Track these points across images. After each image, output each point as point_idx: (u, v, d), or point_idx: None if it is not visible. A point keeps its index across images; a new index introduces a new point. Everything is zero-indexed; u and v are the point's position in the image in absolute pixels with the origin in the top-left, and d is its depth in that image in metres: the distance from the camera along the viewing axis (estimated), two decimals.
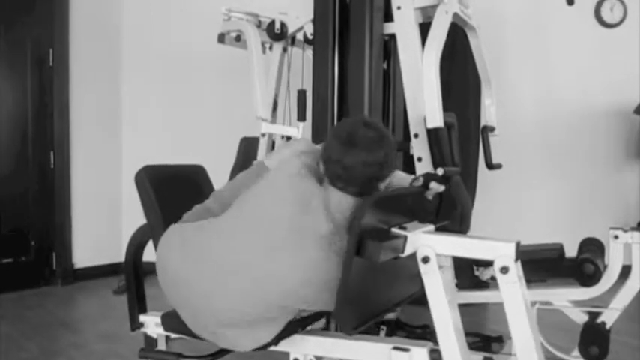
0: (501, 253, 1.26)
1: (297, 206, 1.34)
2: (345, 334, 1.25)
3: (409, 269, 1.42)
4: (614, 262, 2.04)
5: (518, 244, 1.27)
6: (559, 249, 2.17)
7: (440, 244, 1.32)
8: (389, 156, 1.36)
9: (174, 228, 1.56)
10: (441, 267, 1.32)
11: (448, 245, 1.32)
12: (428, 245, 1.31)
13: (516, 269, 1.26)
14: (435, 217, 1.54)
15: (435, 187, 1.50)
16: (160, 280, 1.52)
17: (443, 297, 1.32)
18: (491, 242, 1.29)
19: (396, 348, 1.37)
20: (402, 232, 1.30)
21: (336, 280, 1.25)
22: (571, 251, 2.13)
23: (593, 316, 2.04)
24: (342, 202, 1.35)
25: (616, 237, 2.04)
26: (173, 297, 1.50)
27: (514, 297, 1.27)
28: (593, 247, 2.14)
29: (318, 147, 1.54)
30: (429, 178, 1.50)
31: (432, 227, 1.42)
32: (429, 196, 1.48)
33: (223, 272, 1.38)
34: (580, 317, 2.06)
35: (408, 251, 1.29)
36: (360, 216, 1.21)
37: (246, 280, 1.34)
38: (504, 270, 1.26)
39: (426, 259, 1.31)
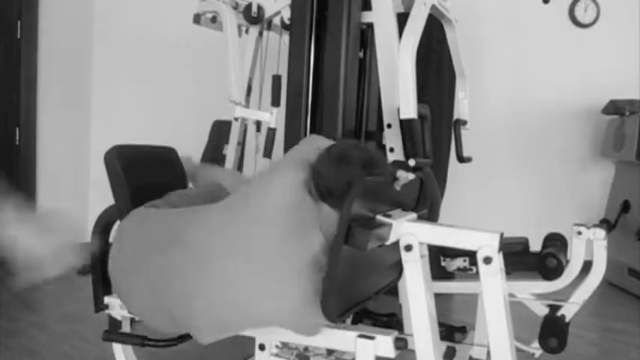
0: (485, 243, 1.26)
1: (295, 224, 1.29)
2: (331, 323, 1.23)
3: (387, 258, 1.42)
4: (576, 257, 2.09)
5: (501, 236, 1.26)
6: (524, 243, 2.21)
7: (423, 233, 1.31)
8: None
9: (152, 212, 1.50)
10: (422, 256, 1.31)
11: (431, 234, 1.31)
12: (411, 234, 1.30)
13: (499, 260, 1.26)
14: (415, 205, 1.54)
15: (403, 177, 1.49)
16: (115, 260, 1.50)
17: (422, 286, 1.31)
18: (475, 232, 1.28)
19: (361, 336, 1.37)
20: (388, 220, 1.28)
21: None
22: (536, 245, 2.17)
23: (554, 309, 2.09)
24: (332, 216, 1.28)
25: (579, 233, 2.09)
26: (130, 280, 1.46)
27: (494, 288, 1.27)
28: (556, 242, 2.19)
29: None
30: (397, 166, 1.49)
31: (414, 215, 1.40)
32: (398, 186, 1.47)
33: (212, 272, 1.30)
34: (541, 310, 2.11)
35: (391, 239, 1.27)
36: (352, 203, 1.18)
37: (237, 294, 1.29)
38: (487, 260, 1.25)
39: (408, 248, 1.30)
